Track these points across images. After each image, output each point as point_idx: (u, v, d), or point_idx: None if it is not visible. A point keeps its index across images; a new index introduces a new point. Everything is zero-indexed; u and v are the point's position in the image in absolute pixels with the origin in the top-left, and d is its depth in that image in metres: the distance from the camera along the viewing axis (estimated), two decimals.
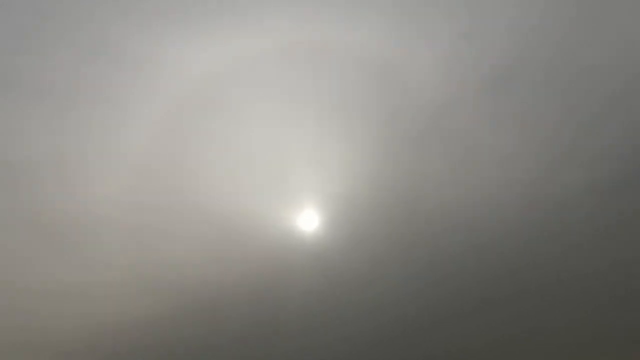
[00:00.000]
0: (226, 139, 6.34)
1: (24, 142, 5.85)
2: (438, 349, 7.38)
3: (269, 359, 7.28)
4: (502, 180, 6.60)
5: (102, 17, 5.70)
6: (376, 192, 6.78)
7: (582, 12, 5.69)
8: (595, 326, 7.37)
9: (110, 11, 5.71)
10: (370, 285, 7.19)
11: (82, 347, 6.92)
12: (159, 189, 6.29)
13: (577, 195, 6.70)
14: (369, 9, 5.99)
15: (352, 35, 6.10)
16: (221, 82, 6.14)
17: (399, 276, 7.09)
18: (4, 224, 6.20)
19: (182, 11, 5.80)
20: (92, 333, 6.81)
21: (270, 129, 6.40)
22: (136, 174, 6.17)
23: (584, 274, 7.17)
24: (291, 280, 7.04)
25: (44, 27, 5.58)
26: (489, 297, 7.14)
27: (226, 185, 6.50)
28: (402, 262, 7.02)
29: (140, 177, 6.20)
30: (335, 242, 6.95)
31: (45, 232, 6.20)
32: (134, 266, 6.46)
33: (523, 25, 6.01)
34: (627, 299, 7.39)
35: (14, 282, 6.41)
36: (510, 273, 7.01)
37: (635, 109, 6.18)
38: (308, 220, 6.85)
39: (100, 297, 6.57)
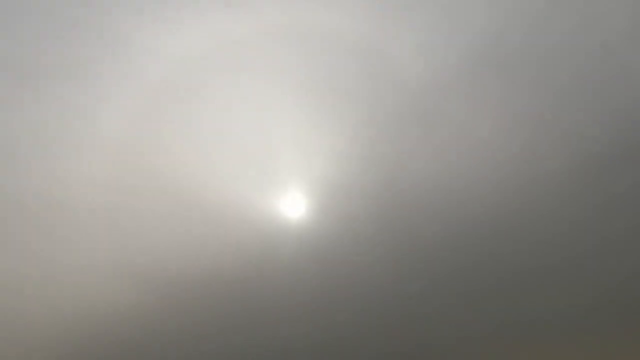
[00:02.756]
0: (208, 122, 6.28)
1: (4, 123, 5.75)
2: (428, 333, 7.33)
3: (253, 349, 7.10)
4: (483, 160, 6.67)
5: (84, 1, 5.63)
6: (362, 176, 6.77)
7: None
8: (579, 308, 7.43)
9: None
10: (360, 271, 7.13)
11: (54, 340, 6.65)
12: (138, 171, 6.21)
13: (555, 175, 6.81)
14: None
15: (335, 19, 6.13)
16: (204, 65, 6.10)
17: (389, 260, 7.04)
18: None
19: None
20: (64, 324, 6.57)
21: (253, 112, 6.36)
22: (115, 155, 6.09)
23: (565, 255, 7.26)
24: (277, 268, 6.93)
25: (25, 11, 5.51)
26: (475, 281, 7.15)
27: (208, 169, 6.41)
28: (391, 246, 6.98)
29: (119, 159, 6.12)
30: (322, 228, 6.88)
31: (22, 213, 6.01)
32: (110, 249, 6.32)
33: (501, 7, 6.15)
34: (609, 282, 7.50)
35: None
36: (494, 250, 7.05)
37: (613, 90, 6.35)
38: (294, 206, 6.78)
39: (76, 280, 6.37)
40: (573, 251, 7.30)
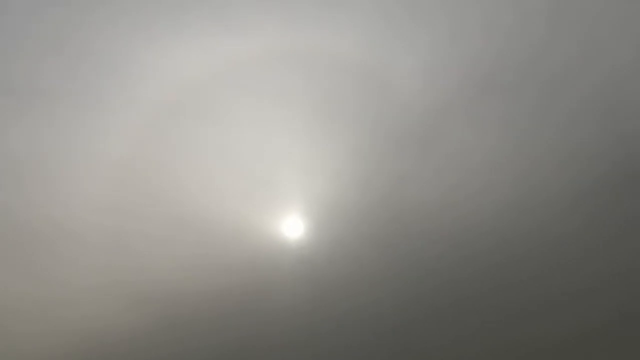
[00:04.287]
0: (209, 143, 6.34)
1: (8, 144, 5.89)
2: (428, 354, 7.19)
3: None
4: (484, 182, 6.59)
5: (90, 23, 5.79)
6: (362, 197, 6.74)
7: (555, 12, 5.82)
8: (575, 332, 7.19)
9: (98, 17, 5.80)
10: (359, 292, 7.06)
11: None
12: (140, 193, 6.28)
13: (559, 198, 6.68)
14: (352, 16, 6.10)
15: (335, 41, 6.17)
16: (204, 88, 6.17)
17: (388, 282, 6.97)
18: None
19: (167, 17, 5.89)
20: (65, 344, 6.66)
21: (252, 134, 6.40)
22: (118, 177, 6.17)
23: (574, 280, 7.07)
24: (276, 288, 6.91)
25: (33, 33, 5.66)
26: (476, 300, 7.01)
27: (209, 190, 6.45)
28: (390, 268, 6.92)
29: (122, 181, 6.20)
30: (321, 249, 6.85)
31: (24, 233, 6.15)
32: (111, 270, 6.40)
33: (503, 29, 6.12)
34: (622, 308, 7.26)
35: None
36: (495, 274, 6.92)
37: (614, 106, 6.24)
38: (293, 227, 6.77)
39: (77, 300, 6.46)
40: (582, 276, 7.10)
